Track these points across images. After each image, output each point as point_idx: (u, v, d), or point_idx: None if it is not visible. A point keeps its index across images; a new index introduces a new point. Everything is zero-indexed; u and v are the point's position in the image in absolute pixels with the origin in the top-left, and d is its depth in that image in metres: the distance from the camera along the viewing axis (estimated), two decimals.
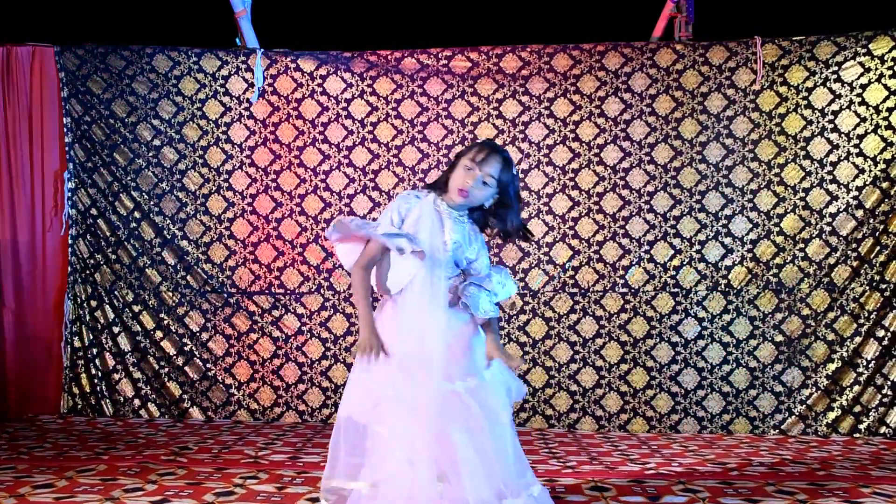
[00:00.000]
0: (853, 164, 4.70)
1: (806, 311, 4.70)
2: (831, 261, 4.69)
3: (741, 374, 4.73)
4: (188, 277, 5.02)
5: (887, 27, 4.69)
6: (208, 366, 4.98)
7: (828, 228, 4.70)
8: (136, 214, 5.04)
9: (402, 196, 2.64)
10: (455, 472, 2.43)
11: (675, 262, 4.80)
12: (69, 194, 5.05)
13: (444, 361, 2.49)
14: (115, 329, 5.03)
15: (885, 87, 4.68)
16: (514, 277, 2.80)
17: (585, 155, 4.89)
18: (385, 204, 4.94)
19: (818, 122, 4.75)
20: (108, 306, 5.03)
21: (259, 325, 4.98)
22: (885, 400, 4.60)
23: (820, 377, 4.67)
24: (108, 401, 5.01)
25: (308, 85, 5.02)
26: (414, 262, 2.52)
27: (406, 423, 2.43)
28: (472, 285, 2.63)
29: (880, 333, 4.63)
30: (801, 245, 4.73)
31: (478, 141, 2.71)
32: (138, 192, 5.03)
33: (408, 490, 2.38)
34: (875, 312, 4.64)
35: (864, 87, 4.70)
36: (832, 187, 4.71)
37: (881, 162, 4.66)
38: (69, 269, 5.06)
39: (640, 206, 4.84)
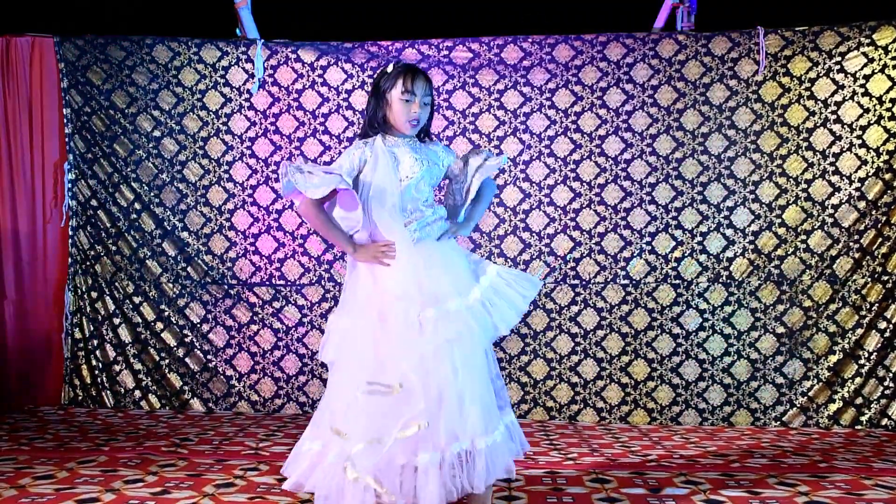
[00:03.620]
0: (856, 155, 4.68)
1: (807, 303, 4.69)
2: (833, 252, 4.68)
3: (742, 365, 4.72)
4: (189, 269, 5.01)
5: (891, 17, 4.65)
6: (209, 357, 4.98)
7: (830, 220, 4.69)
8: (137, 206, 5.03)
9: (353, 146, 2.63)
10: (438, 408, 2.37)
11: (677, 254, 4.79)
12: (69, 185, 5.04)
13: (424, 293, 2.46)
14: (116, 320, 5.03)
15: (889, 77, 4.66)
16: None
17: (587, 146, 4.87)
18: None
19: (821, 113, 4.73)
20: (108, 297, 5.03)
21: (260, 316, 4.98)
22: (886, 392, 4.59)
23: (821, 369, 4.66)
24: (108, 392, 5.01)
25: (308, 76, 5.00)
26: (357, 209, 2.56)
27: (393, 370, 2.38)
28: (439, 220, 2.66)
29: (882, 325, 4.62)
30: (803, 237, 4.71)
31: (392, 68, 2.60)
32: (138, 184, 5.02)
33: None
34: (877, 304, 4.63)
35: (867, 77, 4.68)
36: (834, 179, 4.69)
37: (884, 153, 4.64)
38: (69, 260, 5.06)
39: (642, 197, 4.82)
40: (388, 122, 2.62)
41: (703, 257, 4.77)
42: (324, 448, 2.45)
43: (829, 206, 4.69)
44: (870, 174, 4.65)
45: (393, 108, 2.59)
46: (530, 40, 4.91)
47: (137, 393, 5.00)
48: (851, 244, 4.66)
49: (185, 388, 4.98)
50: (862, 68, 4.68)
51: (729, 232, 4.76)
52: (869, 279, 4.64)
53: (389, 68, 2.62)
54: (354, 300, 2.58)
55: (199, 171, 5.03)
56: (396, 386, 2.37)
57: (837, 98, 4.71)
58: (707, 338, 4.75)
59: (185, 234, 5.02)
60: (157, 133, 5.03)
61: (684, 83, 4.81)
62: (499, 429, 2.48)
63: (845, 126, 4.69)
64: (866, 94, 4.67)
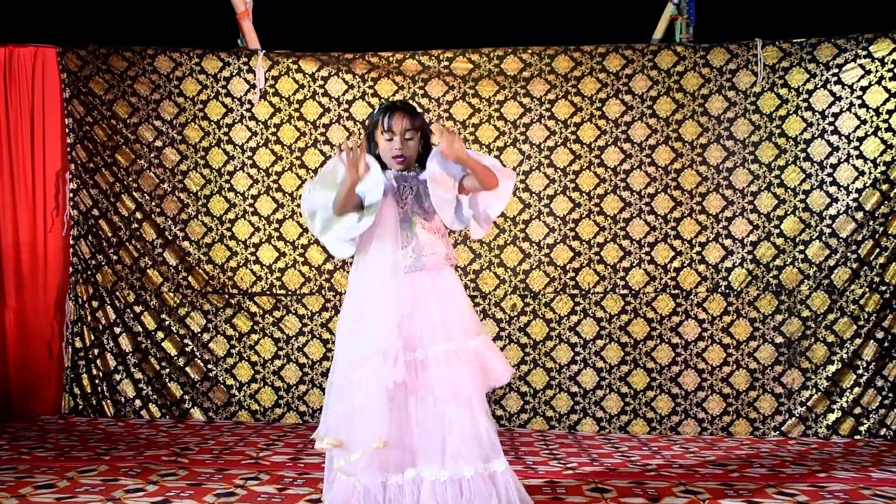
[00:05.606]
0: (853, 166, 4.70)
1: (806, 313, 4.71)
2: (831, 263, 4.70)
3: (741, 375, 4.73)
4: (189, 278, 5.02)
5: (888, 29, 4.69)
6: (209, 366, 4.99)
7: (828, 230, 4.71)
8: (138, 215, 5.04)
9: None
10: (408, 435, 2.58)
11: (676, 264, 4.81)
12: (71, 195, 5.05)
13: (402, 329, 2.58)
14: (117, 329, 5.03)
15: (886, 89, 4.69)
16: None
17: (586, 157, 4.89)
18: None
19: (818, 124, 4.76)
20: (109, 307, 5.04)
21: (260, 325, 4.99)
22: (885, 402, 4.60)
23: (820, 379, 4.68)
24: (109, 401, 5.01)
25: (309, 86, 5.03)
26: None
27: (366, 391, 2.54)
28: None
29: (880, 335, 4.64)
30: (801, 247, 4.73)
31: (376, 110, 2.74)
32: (140, 193, 5.04)
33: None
34: (875, 314, 4.65)
35: (864, 89, 4.71)
36: (832, 189, 4.72)
37: (881, 164, 4.67)
38: (70, 269, 5.07)
39: (641, 207, 4.85)
40: (381, 160, 2.75)
41: (701, 267, 4.79)
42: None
43: (827, 217, 4.71)
44: (867, 185, 4.67)
45: (380, 147, 2.74)
46: (530, 51, 4.94)
47: (138, 402, 5.00)
48: (849, 254, 4.68)
49: (186, 397, 4.99)
50: (859, 80, 4.71)
51: (727, 242, 4.79)
52: (867, 289, 4.66)
53: (376, 109, 2.76)
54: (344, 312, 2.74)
55: (200, 180, 5.05)
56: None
57: (835, 109, 4.74)
58: (706, 348, 4.76)
59: (186, 244, 5.03)
60: (158, 143, 5.05)
61: (683, 94, 4.84)
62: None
63: (843, 137, 4.72)
64: (863, 105, 4.70)
